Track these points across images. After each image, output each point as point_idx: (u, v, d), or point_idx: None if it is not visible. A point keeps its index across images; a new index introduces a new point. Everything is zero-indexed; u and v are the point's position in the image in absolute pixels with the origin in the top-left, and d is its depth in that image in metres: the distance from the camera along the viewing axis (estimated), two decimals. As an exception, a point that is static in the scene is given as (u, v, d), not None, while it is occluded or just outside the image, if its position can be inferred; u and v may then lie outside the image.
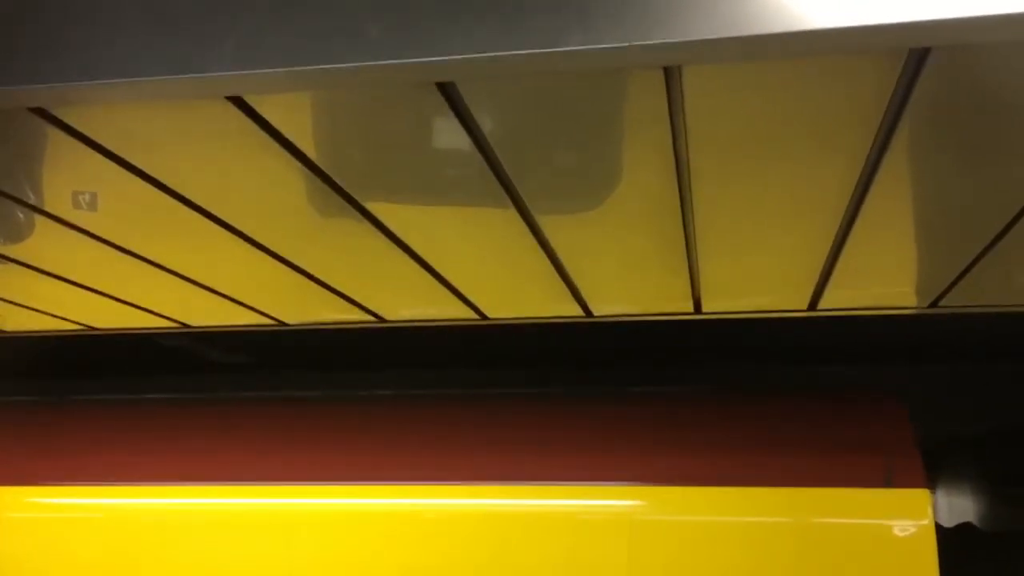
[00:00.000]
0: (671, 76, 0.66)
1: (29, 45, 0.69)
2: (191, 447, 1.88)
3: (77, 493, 1.83)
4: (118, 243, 1.08)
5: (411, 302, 1.35)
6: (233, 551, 1.70)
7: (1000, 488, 1.69)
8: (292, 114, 0.76)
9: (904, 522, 1.49)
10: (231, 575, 1.69)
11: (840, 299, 1.26)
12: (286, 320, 1.47)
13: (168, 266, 1.17)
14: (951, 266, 1.12)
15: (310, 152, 0.82)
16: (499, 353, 2.00)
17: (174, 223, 0.99)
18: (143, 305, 1.38)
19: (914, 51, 0.62)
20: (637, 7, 0.59)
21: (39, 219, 1.00)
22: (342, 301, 1.31)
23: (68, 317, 1.47)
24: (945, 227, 1.00)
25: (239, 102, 0.72)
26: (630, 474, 1.61)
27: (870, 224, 0.95)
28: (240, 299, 1.33)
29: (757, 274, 1.18)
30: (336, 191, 0.90)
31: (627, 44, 0.60)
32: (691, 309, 1.32)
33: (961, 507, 1.66)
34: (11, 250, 1.12)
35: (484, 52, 0.62)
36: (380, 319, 1.43)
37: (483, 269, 1.18)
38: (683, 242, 1.02)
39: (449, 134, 0.77)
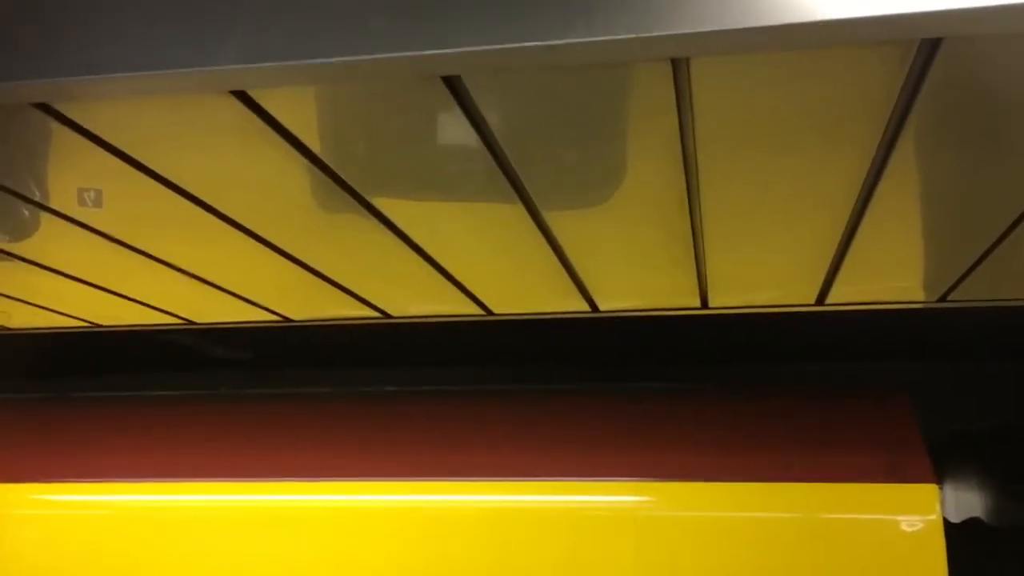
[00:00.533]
0: (679, 68, 0.65)
1: (32, 40, 0.68)
2: (196, 444, 1.88)
3: (81, 490, 1.83)
4: (123, 239, 1.08)
5: (416, 298, 1.34)
6: (239, 547, 1.70)
7: (1007, 484, 1.69)
8: (296, 108, 0.75)
9: (912, 517, 1.49)
10: (237, 571, 1.69)
11: (848, 294, 1.26)
12: (291, 316, 1.46)
13: (173, 263, 1.16)
14: (960, 260, 1.11)
15: (315, 147, 0.81)
16: (505, 349, 2.00)
17: (178, 219, 0.99)
18: (148, 302, 1.38)
19: (925, 42, 0.61)
20: (644, -1, 0.59)
21: (44, 216, 1.00)
22: (347, 297, 1.31)
23: (73, 314, 1.47)
24: (955, 221, 1.00)
25: (243, 96, 0.72)
26: (636, 470, 1.61)
27: (879, 218, 0.95)
28: (245, 295, 1.33)
29: (765, 268, 1.17)
30: (341, 186, 0.89)
31: (634, 36, 0.59)
32: (698, 304, 1.32)
33: (968, 502, 1.66)
34: (17, 247, 1.12)
35: (490, 45, 0.61)
36: (385, 315, 1.42)
37: (489, 265, 1.18)
38: (690, 236, 1.01)
39: (455, 128, 0.77)
